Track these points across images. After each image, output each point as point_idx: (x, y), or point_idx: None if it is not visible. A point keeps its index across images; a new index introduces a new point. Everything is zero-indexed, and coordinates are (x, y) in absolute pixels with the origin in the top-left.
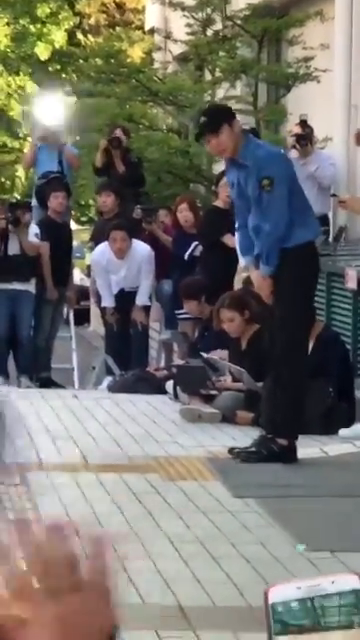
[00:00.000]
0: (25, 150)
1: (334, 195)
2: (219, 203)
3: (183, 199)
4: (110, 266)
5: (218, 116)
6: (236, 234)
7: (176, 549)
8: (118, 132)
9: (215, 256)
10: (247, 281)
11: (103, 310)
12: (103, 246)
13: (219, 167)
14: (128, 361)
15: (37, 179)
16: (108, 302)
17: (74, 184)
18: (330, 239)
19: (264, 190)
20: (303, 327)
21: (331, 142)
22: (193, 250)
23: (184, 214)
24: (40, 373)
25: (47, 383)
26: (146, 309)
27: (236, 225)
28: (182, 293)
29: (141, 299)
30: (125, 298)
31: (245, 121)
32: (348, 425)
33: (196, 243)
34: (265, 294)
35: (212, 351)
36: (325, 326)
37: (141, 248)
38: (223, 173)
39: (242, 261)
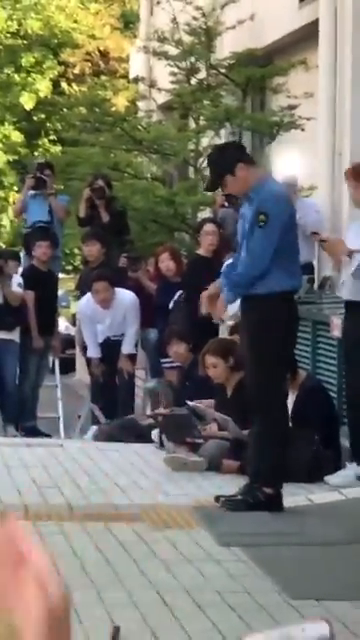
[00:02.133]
0: (12, 199)
1: (316, 233)
2: (202, 251)
3: (164, 249)
4: (95, 316)
5: (219, 167)
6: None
7: (162, 598)
8: (100, 182)
9: (198, 305)
10: (234, 330)
11: (89, 360)
12: (88, 296)
13: (204, 215)
14: (114, 410)
15: (25, 228)
16: (94, 353)
17: (62, 234)
18: (315, 287)
19: (258, 224)
20: (277, 375)
21: (316, 190)
22: (177, 299)
23: (166, 263)
24: (26, 422)
25: (33, 432)
26: (132, 357)
27: (230, 260)
28: (173, 334)
29: (127, 348)
30: (110, 347)
31: None
32: (334, 472)
33: (180, 292)
34: (216, 316)
35: (201, 400)
36: (308, 375)
37: (125, 296)
38: (204, 221)
39: (230, 309)
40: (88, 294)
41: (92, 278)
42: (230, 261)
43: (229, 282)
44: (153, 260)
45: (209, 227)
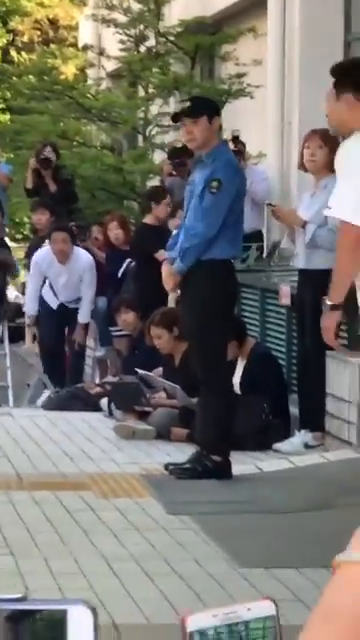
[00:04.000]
0: None
1: (270, 204)
2: (150, 220)
3: (113, 217)
4: (50, 270)
5: (201, 105)
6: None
7: (110, 567)
8: (48, 150)
9: (148, 273)
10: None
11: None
12: (46, 249)
13: (152, 183)
14: (63, 379)
15: None
16: (31, 309)
17: (8, 202)
18: (264, 255)
19: (210, 190)
20: (219, 343)
21: (265, 158)
22: (126, 267)
23: (114, 232)
24: None
25: None
26: (86, 327)
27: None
28: (121, 304)
29: (83, 316)
30: (64, 315)
31: (178, 137)
32: (283, 440)
33: (129, 260)
34: (169, 287)
35: (153, 369)
36: (257, 342)
37: (83, 256)
38: (158, 189)
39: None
40: (45, 247)
41: (52, 228)
42: (175, 232)
43: (182, 247)
44: (100, 227)
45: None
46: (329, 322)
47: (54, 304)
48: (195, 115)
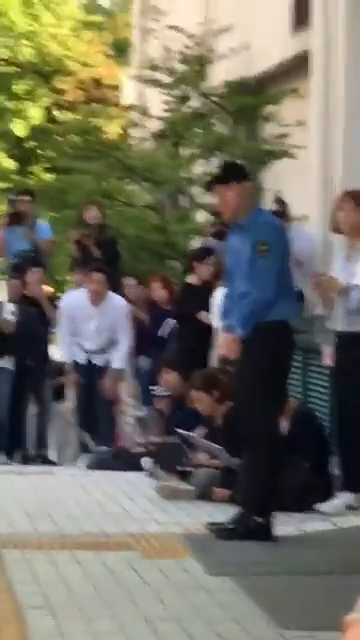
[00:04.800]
0: None
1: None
2: (193, 280)
3: (156, 276)
4: (80, 313)
5: (229, 170)
6: (222, 300)
7: (152, 627)
8: (92, 209)
9: (190, 332)
10: (225, 360)
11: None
12: (77, 292)
13: (195, 244)
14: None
15: (10, 260)
16: (69, 354)
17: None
18: (306, 315)
19: (259, 254)
20: (273, 404)
21: (308, 220)
22: (169, 328)
23: (157, 292)
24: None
25: (44, 461)
26: (118, 376)
27: (225, 291)
28: (163, 363)
29: (117, 363)
30: (92, 369)
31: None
32: (324, 500)
33: (170, 320)
34: (233, 355)
35: (194, 429)
36: (299, 403)
37: (117, 300)
38: (202, 250)
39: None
40: (77, 290)
41: (91, 268)
42: (224, 292)
43: (242, 314)
44: (144, 287)
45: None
46: None
47: (80, 357)
48: (224, 181)
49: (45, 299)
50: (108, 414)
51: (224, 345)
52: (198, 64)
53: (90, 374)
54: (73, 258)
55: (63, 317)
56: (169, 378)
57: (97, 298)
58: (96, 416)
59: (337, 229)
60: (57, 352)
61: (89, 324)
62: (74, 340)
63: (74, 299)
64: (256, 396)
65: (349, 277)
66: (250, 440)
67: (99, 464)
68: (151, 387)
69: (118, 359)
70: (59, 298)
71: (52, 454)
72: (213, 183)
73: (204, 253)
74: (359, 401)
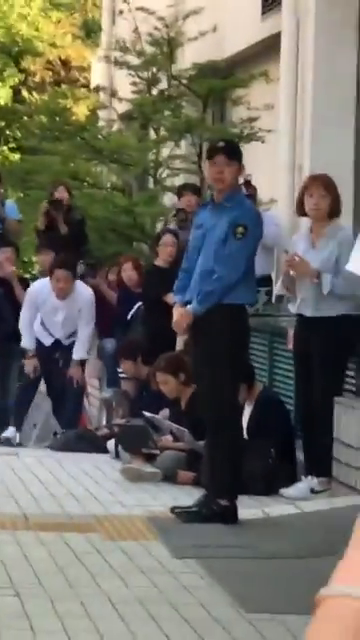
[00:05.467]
0: None
1: (287, 252)
2: (159, 262)
3: (127, 258)
4: (45, 305)
5: (237, 150)
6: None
7: (116, 610)
8: (60, 190)
9: (156, 315)
10: (189, 342)
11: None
12: (44, 281)
13: (161, 226)
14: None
15: None
16: (29, 343)
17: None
18: (273, 300)
19: (235, 236)
20: (231, 387)
21: (276, 204)
22: (136, 310)
23: (128, 273)
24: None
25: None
26: (82, 364)
27: (182, 266)
28: (118, 353)
29: (79, 352)
30: (61, 350)
31: (189, 180)
32: (289, 485)
33: (140, 303)
34: (181, 330)
35: (160, 411)
36: (265, 387)
37: (83, 290)
38: (162, 232)
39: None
40: (45, 279)
41: (54, 264)
42: (181, 275)
43: (205, 290)
44: (115, 269)
45: (168, 238)
46: None
47: (47, 341)
48: (231, 157)
49: (15, 279)
50: (76, 397)
51: (174, 319)
52: (167, 46)
53: (59, 355)
54: (37, 232)
55: (27, 304)
56: (127, 367)
57: (63, 293)
58: (64, 398)
59: (303, 213)
60: None
61: (56, 316)
62: (40, 327)
63: (41, 289)
64: (215, 378)
65: (314, 263)
66: (212, 423)
67: (63, 446)
68: (118, 369)
69: (78, 349)
70: (26, 279)
71: (25, 435)
72: (220, 153)
73: (168, 234)
74: (323, 385)
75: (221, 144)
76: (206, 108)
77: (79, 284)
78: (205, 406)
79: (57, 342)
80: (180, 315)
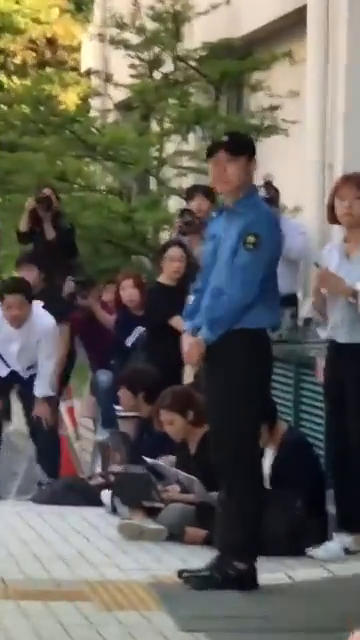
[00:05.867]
0: None
1: (318, 265)
2: (164, 279)
3: (127, 274)
4: (1, 334)
5: (242, 142)
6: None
7: None
8: (47, 192)
9: (161, 342)
10: (199, 374)
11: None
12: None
13: (166, 236)
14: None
15: None
16: None
17: None
18: (299, 323)
19: (245, 247)
20: (251, 428)
21: (302, 210)
22: (138, 337)
23: (128, 292)
24: None
25: None
26: (50, 401)
27: (195, 287)
28: (117, 381)
29: (41, 389)
30: (21, 384)
31: (200, 182)
32: (318, 544)
33: (142, 328)
34: (192, 361)
35: (159, 456)
36: (290, 428)
37: (43, 319)
38: (168, 244)
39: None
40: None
41: (4, 288)
42: (194, 296)
43: (213, 315)
44: (111, 287)
45: (174, 251)
46: None
47: (3, 372)
48: (235, 152)
49: None
50: (50, 438)
51: (184, 349)
52: (172, 22)
53: (19, 389)
54: (19, 235)
55: None
56: (125, 398)
57: (17, 322)
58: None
59: (334, 219)
60: None
61: (10, 346)
62: None
63: None
64: (231, 418)
65: (349, 278)
66: (227, 470)
67: (49, 498)
68: (115, 406)
69: (40, 386)
70: None
71: (3, 487)
72: (220, 149)
73: (174, 247)
74: (358, 425)
75: (224, 138)
76: (219, 95)
77: (37, 310)
78: (219, 450)
79: (14, 373)
80: (191, 345)
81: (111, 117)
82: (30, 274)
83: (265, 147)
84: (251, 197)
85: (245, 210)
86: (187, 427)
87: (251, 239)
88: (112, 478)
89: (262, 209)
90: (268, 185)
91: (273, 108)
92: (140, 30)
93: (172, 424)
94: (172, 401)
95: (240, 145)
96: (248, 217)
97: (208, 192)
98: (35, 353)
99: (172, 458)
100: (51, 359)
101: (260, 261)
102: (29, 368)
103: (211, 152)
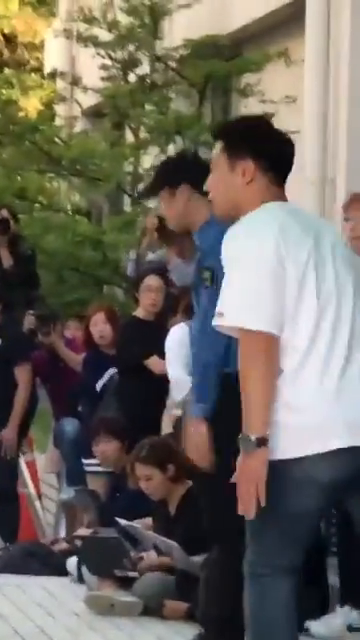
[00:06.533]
0: None
1: None
2: (140, 313)
3: (98, 307)
4: None
5: (178, 168)
6: None
7: None
8: (4, 213)
9: (135, 386)
10: (178, 423)
11: None
12: None
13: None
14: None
15: None
16: None
17: None
18: None
19: (203, 285)
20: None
21: None
22: (109, 379)
23: (99, 328)
24: None
25: None
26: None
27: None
28: (101, 428)
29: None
30: None
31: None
32: (318, 617)
33: (113, 370)
34: (199, 454)
35: (134, 518)
36: None
37: None
38: (144, 272)
39: (176, 394)
40: None
41: None
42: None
43: (194, 384)
44: (72, 324)
45: (152, 280)
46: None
47: None
48: (171, 183)
49: None
50: (7, 496)
51: (186, 437)
52: (149, 16)
53: None
54: None
55: None
56: (107, 449)
57: None
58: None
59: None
60: None
61: None
62: None
63: None
64: (219, 473)
65: None
66: (218, 536)
67: (6, 565)
68: (84, 460)
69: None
70: None
71: None
72: (158, 188)
73: (152, 275)
74: None
75: (155, 175)
76: (203, 100)
77: None
78: (211, 512)
79: None
80: (191, 433)
81: (79, 126)
82: None
83: None
84: (205, 225)
85: (200, 241)
86: (167, 484)
87: (206, 275)
88: (78, 543)
89: (211, 235)
90: None
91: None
92: (112, 25)
93: (150, 479)
94: (149, 453)
95: (157, 179)
96: (202, 249)
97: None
98: None
99: (148, 520)
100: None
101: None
102: None
103: (149, 194)
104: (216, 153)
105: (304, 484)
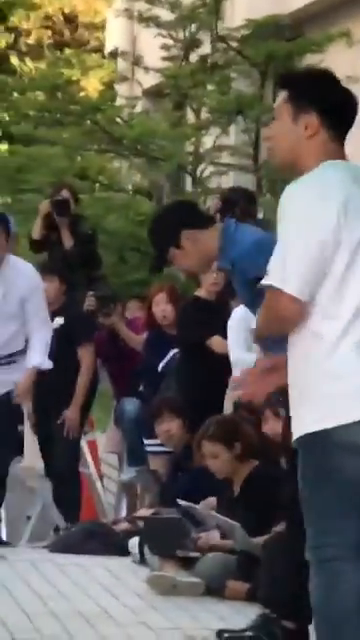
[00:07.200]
0: None
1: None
2: (202, 293)
3: (160, 288)
4: None
5: (168, 225)
6: None
7: None
8: (65, 193)
9: (197, 366)
10: (240, 404)
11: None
12: None
13: None
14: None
15: None
16: None
17: None
18: None
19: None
20: None
21: None
22: (171, 359)
23: (162, 308)
24: None
25: None
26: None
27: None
28: (164, 407)
29: (36, 358)
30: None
31: (242, 181)
32: None
33: (175, 350)
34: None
35: (202, 499)
36: None
37: (26, 268)
38: None
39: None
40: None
41: None
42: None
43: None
44: (134, 304)
45: None
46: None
47: None
48: (172, 241)
49: None
50: (69, 477)
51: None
52: None
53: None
54: (31, 243)
55: None
56: (170, 428)
57: None
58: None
59: None
60: None
61: None
62: None
63: None
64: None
65: None
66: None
67: (67, 546)
68: (145, 440)
69: (36, 354)
70: None
71: (14, 531)
72: (165, 252)
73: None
74: None
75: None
76: (264, 81)
77: (17, 259)
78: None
79: None
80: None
81: (140, 106)
82: (51, 286)
83: None
84: (230, 239)
85: (232, 253)
86: (232, 462)
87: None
88: (140, 523)
89: (242, 239)
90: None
91: None
92: (174, 5)
93: (216, 457)
94: (217, 431)
95: (159, 246)
96: (236, 267)
97: (248, 197)
98: (11, 307)
99: (213, 500)
100: (47, 325)
101: None
102: (8, 361)
103: (153, 271)
104: (280, 102)
105: (353, 450)
